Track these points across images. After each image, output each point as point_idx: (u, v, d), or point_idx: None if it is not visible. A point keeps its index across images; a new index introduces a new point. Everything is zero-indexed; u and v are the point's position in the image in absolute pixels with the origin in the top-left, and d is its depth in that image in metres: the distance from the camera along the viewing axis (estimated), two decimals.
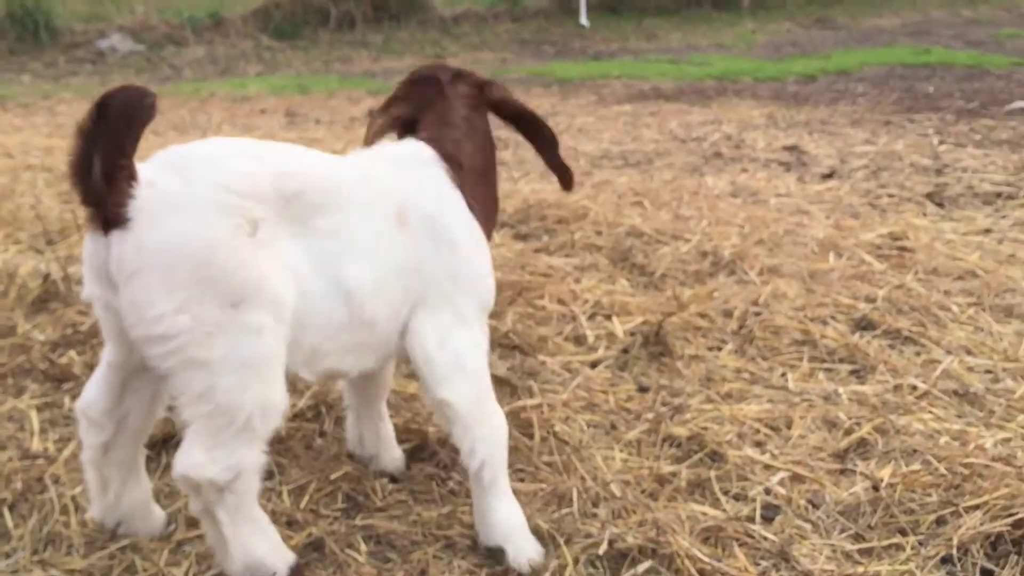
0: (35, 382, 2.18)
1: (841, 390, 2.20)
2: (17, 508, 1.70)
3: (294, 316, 1.44)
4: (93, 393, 1.49)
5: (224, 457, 1.37)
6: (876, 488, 1.79)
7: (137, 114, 1.29)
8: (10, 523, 1.67)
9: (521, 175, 4.42)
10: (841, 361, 2.37)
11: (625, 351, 2.44)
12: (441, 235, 1.62)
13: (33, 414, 2.02)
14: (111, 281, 1.34)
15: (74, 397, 2.10)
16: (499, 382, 2.13)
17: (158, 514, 1.65)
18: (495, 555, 1.61)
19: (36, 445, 1.90)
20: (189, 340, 1.34)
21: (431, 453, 1.92)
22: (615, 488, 1.78)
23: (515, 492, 1.66)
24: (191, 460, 1.37)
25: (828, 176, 4.32)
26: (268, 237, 1.42)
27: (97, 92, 1.57)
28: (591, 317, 2.66)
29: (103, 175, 1.29)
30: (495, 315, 2.55)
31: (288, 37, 9.72)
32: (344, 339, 1.53)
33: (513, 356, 2.39)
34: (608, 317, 2.64)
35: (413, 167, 1.67)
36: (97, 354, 2.21)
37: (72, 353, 2.29)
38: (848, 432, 2.00)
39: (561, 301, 2.74)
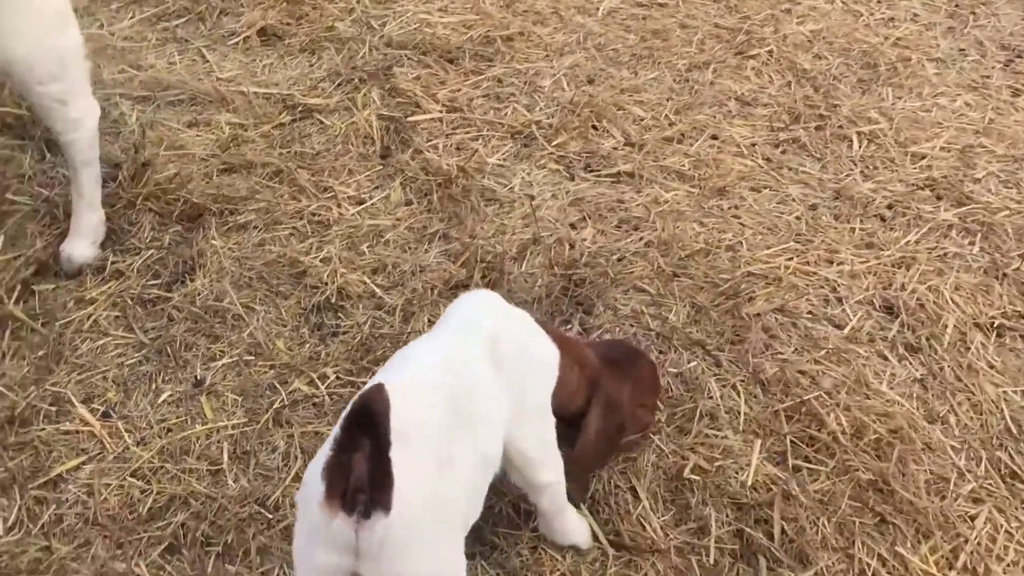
0: None
1: None
2: None
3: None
4: None
5: None
6: None
7: (388, 413, 1.45)
8: None
9: None
10: None
11: None
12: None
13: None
14: (354, 553, 1.54)
15: None
16: None
17: None
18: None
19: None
20: None
21: None
22: None
23: None
24: None
25: None
26: (455, 457, 1.69)
27: None
28: None
29: (371, 476, 1.48)
30: None
31: None
32: (483, 491, 1.83)
33: None
34: None
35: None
36: None
37: None
38: None
39: None
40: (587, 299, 2.71)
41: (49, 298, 2.75)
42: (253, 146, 3.31)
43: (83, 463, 2.32)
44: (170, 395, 2.48)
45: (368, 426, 1.46)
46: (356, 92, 3.61)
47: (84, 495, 2.25)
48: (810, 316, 2.73)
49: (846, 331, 2.69)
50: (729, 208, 3.14)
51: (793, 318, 2.71)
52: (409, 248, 2.94)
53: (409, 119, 3.48)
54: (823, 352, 2.60)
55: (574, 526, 2.13)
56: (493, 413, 1.86)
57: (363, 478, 1.49)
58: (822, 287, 2.84)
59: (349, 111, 3.52)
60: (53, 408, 2.45)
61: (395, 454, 1.54)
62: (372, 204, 3.11)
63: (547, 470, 2.00)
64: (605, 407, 2.10)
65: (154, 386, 2.51)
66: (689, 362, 2.54)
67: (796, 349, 2.62)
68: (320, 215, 3.04)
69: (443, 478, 1.67)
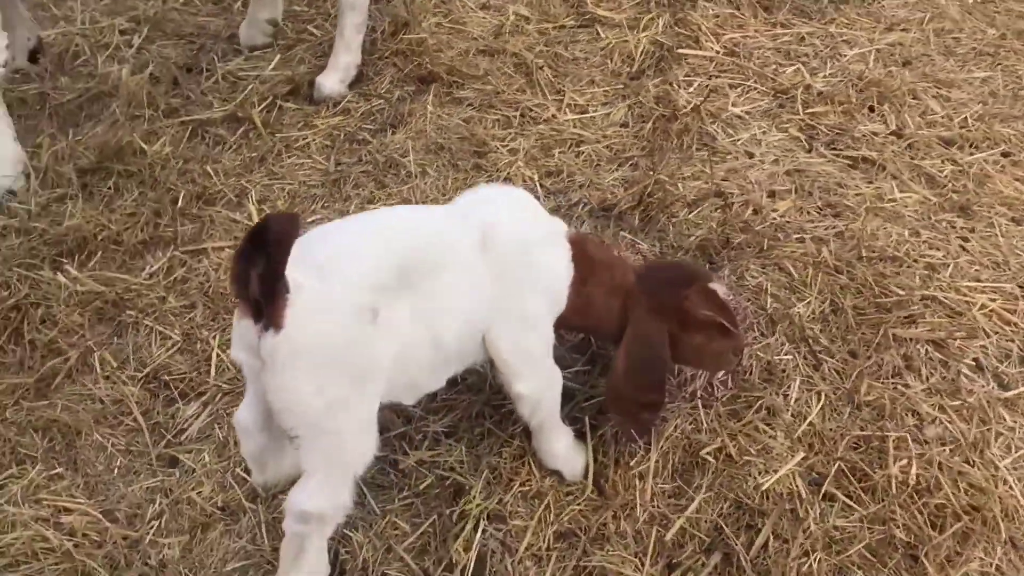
0: None
1: None
2: None
3: (396, 361, 1.77)
4: (245, 414, 1.85)
5: (335, 496, 1.74)
6: None
7: (289, 238, 1.56)
8: None
9: None
10: None
11: None
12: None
13: None
14: (260, 357, 1.65)
15: None
16: None
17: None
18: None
19: None
20: (323, 415, 1.69)
21: None
22: None
23: None
24: (310, 498, 1.72)
25: None
26: (384, 316, 1.74)
27: None
28: None
29: (262, 291, 1.59)
30: None
31: None
32: (436, 367, 1.88)
33: None
34: None
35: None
36: None
37: None
38: None
39: None
40: (720, 260, 2.54)
41: (287, 114, 3.14)
42: (523, 39, 3.44)
43: (228, 247, 2.67)
44: (318, 218, 2.75)
45: (265, 245, 1.54)
46: (646, 14, 3.58)
47: (212, 270, 2.60)
48: (973, 364, 2.33)
49: (1009, 393, 2.27)
50: (962, 228, 2.73)
51: (950, 358, 2.33)
52: (596, 165, 2.93)
53: (679, 50, 3.40)
54: (958, 403, 2.23)
55: (560, 452, 2.07)
56: (459, 300, 1.84)
57: (256, 292, 1.60)
58: (1012, 340, 2.40)
59: (629, 30, 3.51)
60: (236, 198, 2.83)
61: (307, 284, 1.64)
62: (590, 116, 3.12)
63: (523, 381, 1.95)
64: (631, 343, 1.97)
65: (313, 207, 2.79)
66: (785, 354, 2.30)
67: (928, 389, 2.26)
68: (534, 112, 3.11)
69: (360, 329, 1.71)
